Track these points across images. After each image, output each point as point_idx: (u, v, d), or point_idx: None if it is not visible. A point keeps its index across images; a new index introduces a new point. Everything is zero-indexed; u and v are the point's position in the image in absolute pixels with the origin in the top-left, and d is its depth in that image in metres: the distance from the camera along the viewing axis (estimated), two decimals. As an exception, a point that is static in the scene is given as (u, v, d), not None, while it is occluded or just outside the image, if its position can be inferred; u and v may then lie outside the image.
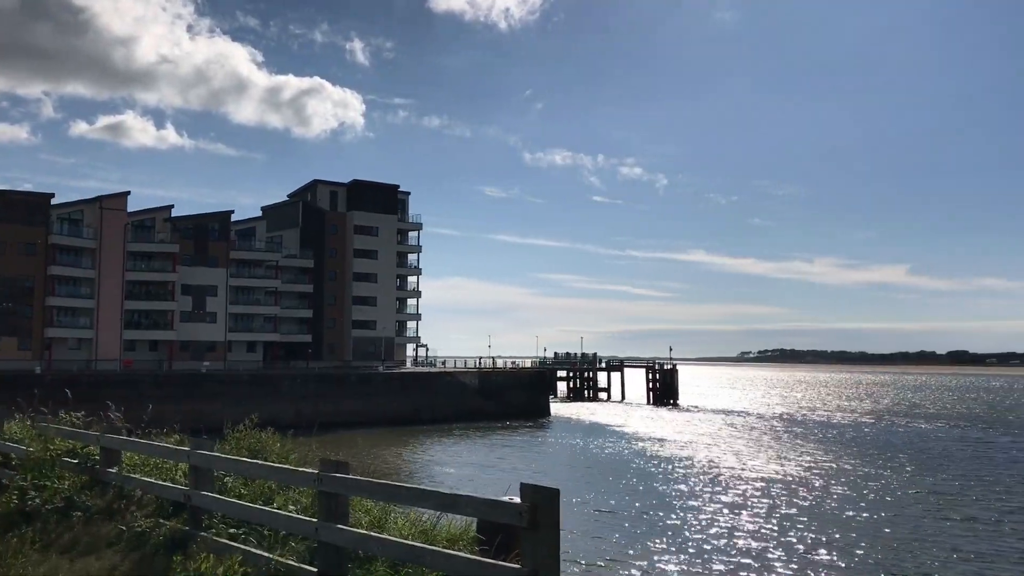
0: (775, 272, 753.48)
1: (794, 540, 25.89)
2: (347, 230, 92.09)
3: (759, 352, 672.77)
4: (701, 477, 39.33)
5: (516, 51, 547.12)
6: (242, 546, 7.17)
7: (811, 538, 26.19)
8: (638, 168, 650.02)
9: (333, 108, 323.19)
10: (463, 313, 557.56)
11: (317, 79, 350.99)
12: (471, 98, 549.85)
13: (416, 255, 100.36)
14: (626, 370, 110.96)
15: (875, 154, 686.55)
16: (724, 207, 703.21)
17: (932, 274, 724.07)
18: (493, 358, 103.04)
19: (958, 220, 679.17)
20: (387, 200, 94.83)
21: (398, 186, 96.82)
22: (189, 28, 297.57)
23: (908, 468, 43.20)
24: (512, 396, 75.30)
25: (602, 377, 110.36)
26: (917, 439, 58.97)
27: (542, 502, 4.93)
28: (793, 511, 30.73)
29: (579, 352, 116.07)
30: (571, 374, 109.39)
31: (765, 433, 62.39)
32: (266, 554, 6.86)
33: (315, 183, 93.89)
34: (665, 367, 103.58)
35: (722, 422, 72.42)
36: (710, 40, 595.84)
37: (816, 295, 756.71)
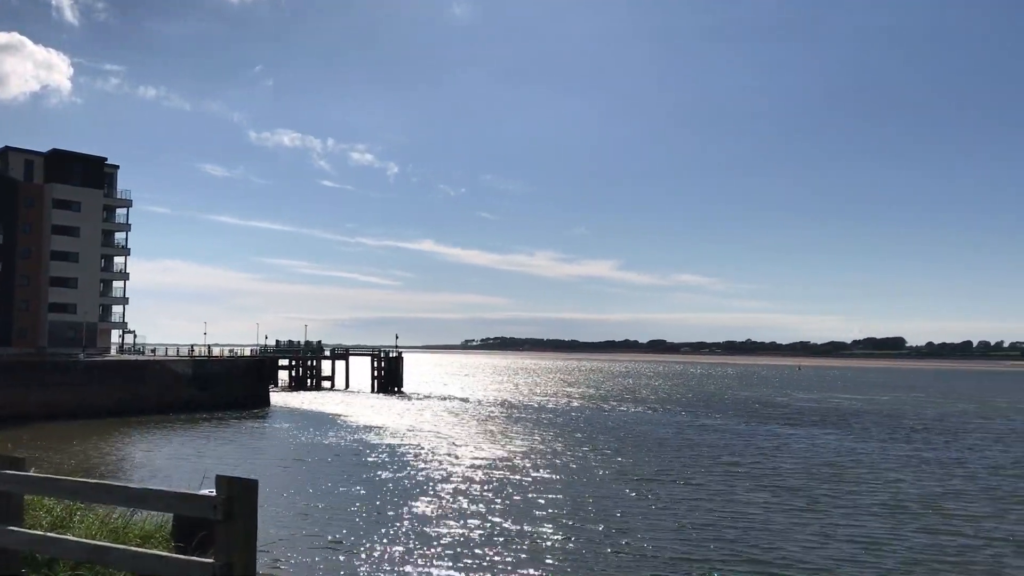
0: (499, 264, 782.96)
1: (503, 522, 27.08)
2: (44, 204, 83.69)
3: (482, 340, 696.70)
4: (419, 464, 39.96)
5: (246, 24, 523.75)
6: None
7: (520, 519, 27.51)
8: (369, 155, 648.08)
9: (34, 69, 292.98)
10: (177, 298, 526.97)
11: (16, 35, 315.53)
12: (193, 70, 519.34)
13: (124, 234, 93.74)
14: (351, 358, 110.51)
15: (592, 155, 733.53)
16: (453, 198, 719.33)
17: (637, 270, 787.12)
18: (209, 346, 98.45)
19: (662, 221, 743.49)
20: (92, 173, 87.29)
21: (105, 159, 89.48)
22: None
23: (622, 449, 46.60)
24: (229, 386, 72.18)
25: (326, 365, 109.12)
26: (631, 421, 63.83)
27: (239, 494, 4.85)
28: (508, 494, 32.10)
29: (303, 340, 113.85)
30: (294, 363, 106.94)
31: (487, 418, 64.65)
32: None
33: (7, 150, 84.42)
34: (391, 355, 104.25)
35: (446, 408, 74.13)
36: (446, 31, 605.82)
37: (536, 286, 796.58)
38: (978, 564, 22.45)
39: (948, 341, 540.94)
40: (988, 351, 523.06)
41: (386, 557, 22.41)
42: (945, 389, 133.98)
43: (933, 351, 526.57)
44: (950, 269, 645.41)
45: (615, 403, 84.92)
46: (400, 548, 23.33)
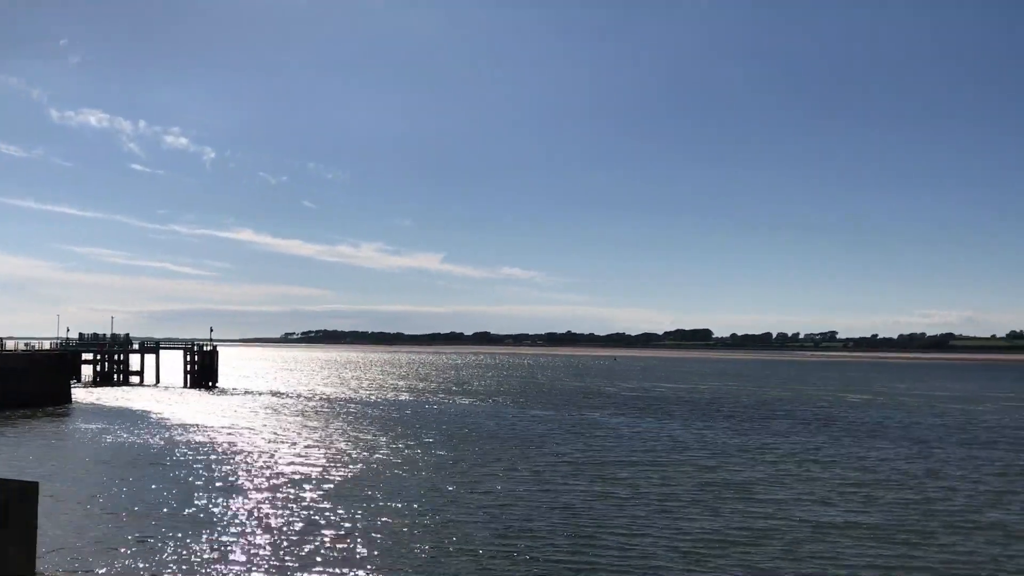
0: (323, 255, 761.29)
1: (320, 519, 26.17)
2: None
3: (303, 333, 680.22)
4: (232, 462, 37.80)
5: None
6: None
7: (339, 516, 26.63)
8: (184, 138, 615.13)
9: None
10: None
11: None
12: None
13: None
14: (162, 352, 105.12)
15: (421, 147, 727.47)
16: (274, 187, 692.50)
17: (463, 263, 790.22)
18: (2, 339, 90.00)
19: (488, 214, 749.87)
20: None
21: None
22: None
23: (450, 442, 46.15)
24: (25, 382, 66.09)
25: (135, 360, 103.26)
26: (461, 413, 63.32)
27: (15, 498, 3.84)
28: (327, 491, 30.99)
29: (109, 333, 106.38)
30: (99, 357, 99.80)
31: (308, 414, 62.40)
32: None
33: None
34: (205, 349, 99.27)
35: (264, 404, 71.09)
36: (272, 12, 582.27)
37: (360, 278, 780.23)
38: (776, 546, 23.69)
39: (750, 332, 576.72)
40: (785, 342, 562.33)
41: (188, 559, 20.64)
42: (758, 377, 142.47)
43: (737, 342, 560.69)
44: (751, 265, 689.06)
45: (445, 396, 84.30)
46: (206, 549, 21.61)
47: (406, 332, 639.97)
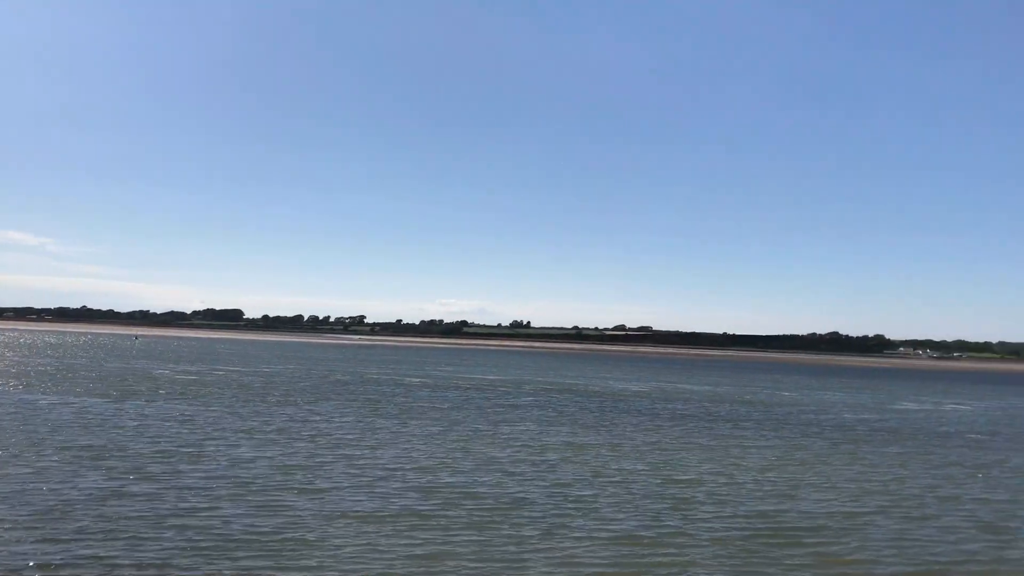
0: None
1: None
2: None
3: None
4: None
5: None
6: None
7: None
8: None
9: None
10: None
11: None
12: None
13: None
14: None
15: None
16: None
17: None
18: None
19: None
20: None
21: None
22: None
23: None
24: None
25: None
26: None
27: None
28: None
29: None
30: None
31: None
32: None
33: None
34: None
35: None
36: None
37: None
38: (303, 537, 21.64)
39: (282, 314, 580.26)
40: (316, 324, 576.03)
41: None
42: (311, 360, 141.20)
43: (269, 323, 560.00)
44: (281, 247, 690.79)
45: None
46: None
47: None
